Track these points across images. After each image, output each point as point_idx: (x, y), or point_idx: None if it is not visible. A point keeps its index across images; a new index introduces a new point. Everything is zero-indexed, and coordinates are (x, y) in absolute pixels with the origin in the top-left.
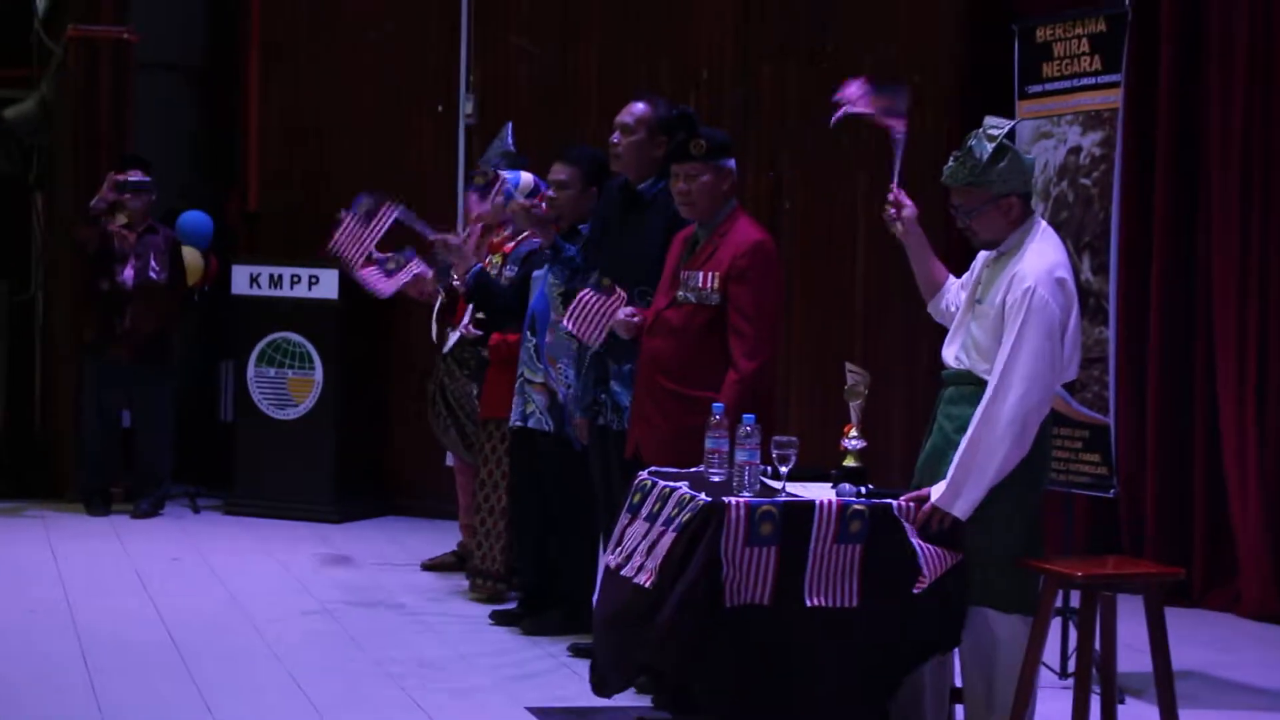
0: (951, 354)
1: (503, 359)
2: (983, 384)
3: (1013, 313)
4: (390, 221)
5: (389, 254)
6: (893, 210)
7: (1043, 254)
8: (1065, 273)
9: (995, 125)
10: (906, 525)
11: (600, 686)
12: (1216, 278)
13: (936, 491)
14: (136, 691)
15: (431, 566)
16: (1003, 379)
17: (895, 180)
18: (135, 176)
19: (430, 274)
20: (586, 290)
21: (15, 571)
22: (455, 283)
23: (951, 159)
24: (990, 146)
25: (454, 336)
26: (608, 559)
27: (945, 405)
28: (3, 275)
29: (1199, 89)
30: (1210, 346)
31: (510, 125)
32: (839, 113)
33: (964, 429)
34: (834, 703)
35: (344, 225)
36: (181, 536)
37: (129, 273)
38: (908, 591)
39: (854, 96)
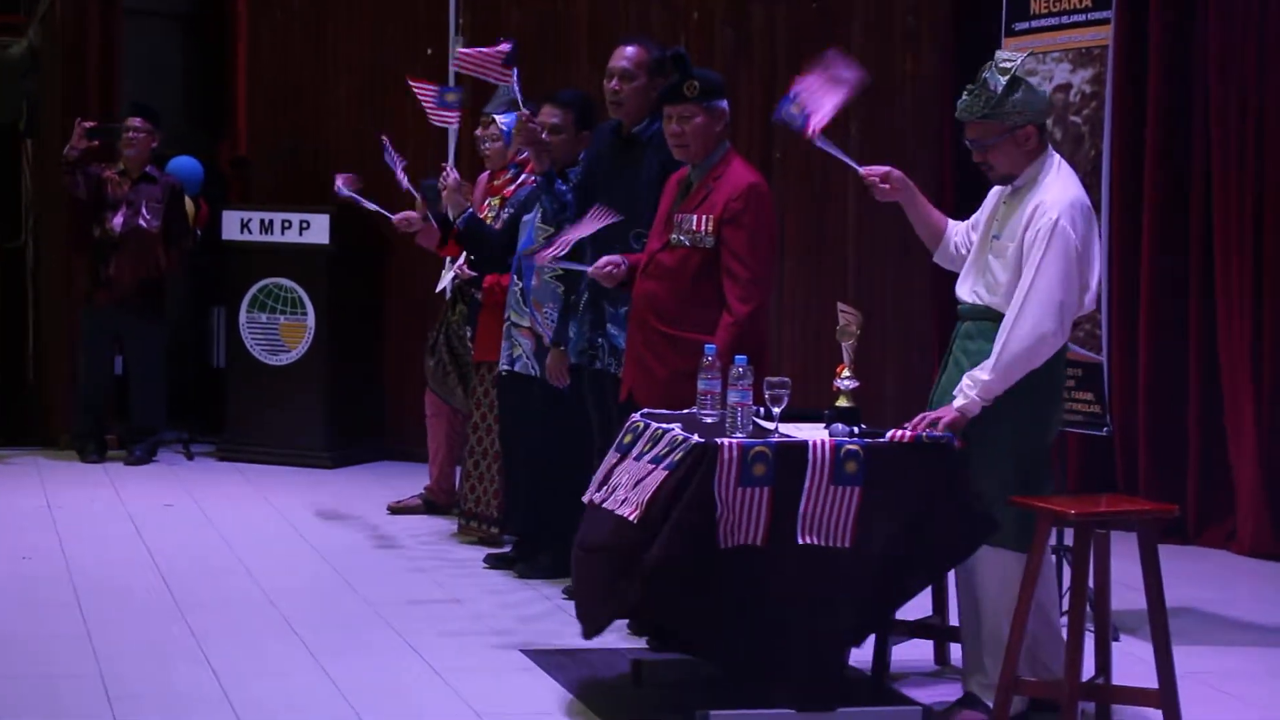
0: (967, 289)
1: (496, 301)
2: (1000, 319)
3: (1036, 243)
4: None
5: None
6: (882, 186)
7: (1063, 186)
8: (1086, 204)
9: (1008, 58)
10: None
11: (586, 625)
12: (1211, 213)
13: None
14: (132, 637)
15: (398, 510)
16: (1025, 305)
17: (856, 166)
18: (137, 123)
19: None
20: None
21: (9, 519)
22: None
23: (965, 93)
24: (1004, 79)
25: (447, 276)
26: (591, 495)
27: (962, 340)
28: None
29: (1191, 25)
30: (1204, 283)
31: (516, 72)
32: (818, 125)
33: (980, 364)
34: (826, 642)
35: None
36: (175, 483)
37: (118, 220)
38: (904, 531)
39: (815, 97)
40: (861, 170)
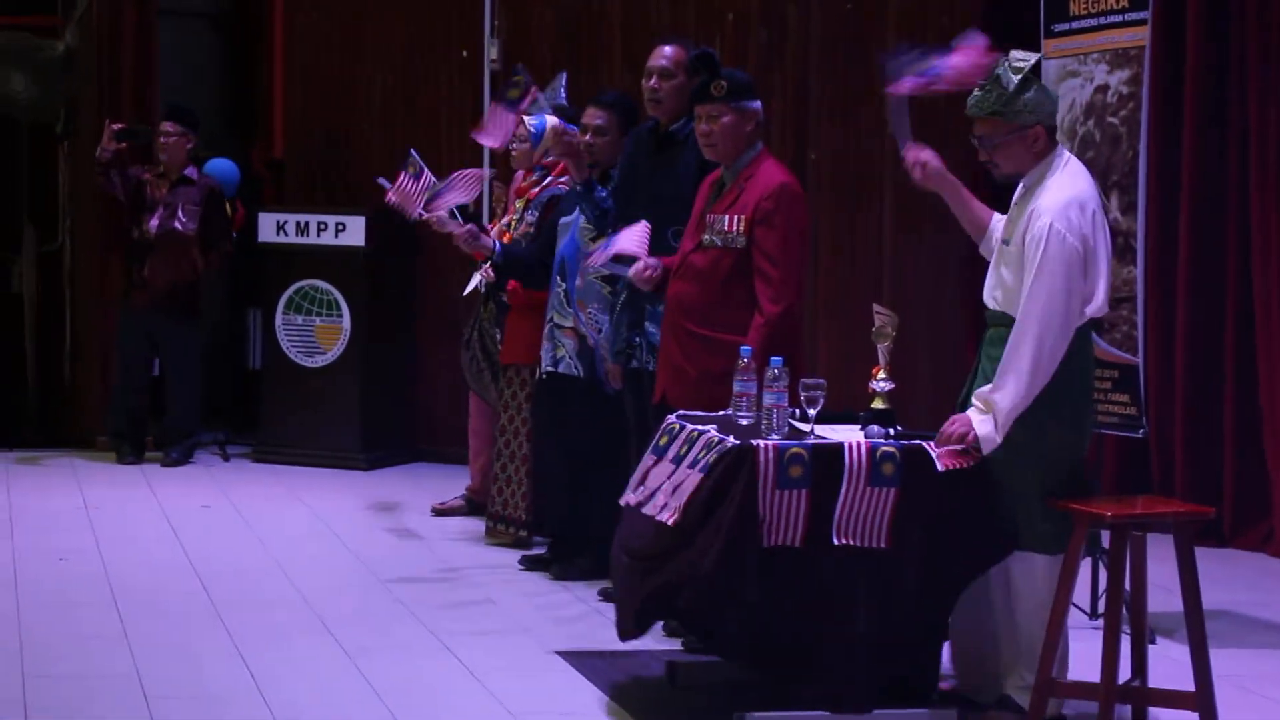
0: (988, 294)
1: (522, 305)
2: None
3: (1032, 248)
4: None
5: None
6: (918, 170)
7: (1062, 187)
8: (1088, 204)
9: (1021, 58)
10: (935, 457)
11: (624, 628)
12: (1248, 214)
13: (974, 418)
14: (168, 638)
15: (442, 512)
16: (1022, 316)
17: (907, 141)
18: (169, 126)
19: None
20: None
21: (47, 520)
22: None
23: (977, 90)
24: (1016, 78)
25: (476, 278)
26: (627, 497)
27: (986, 346)
28: (31, 224)
29: (1228, 26)
30: (1241, 284)
31: (564, 76)
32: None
33: None
34: (866, 644)
35: (399, 183)
36: (211, 484)
37: (154, 222)
38: (941, 531)
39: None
40: (905, 147)
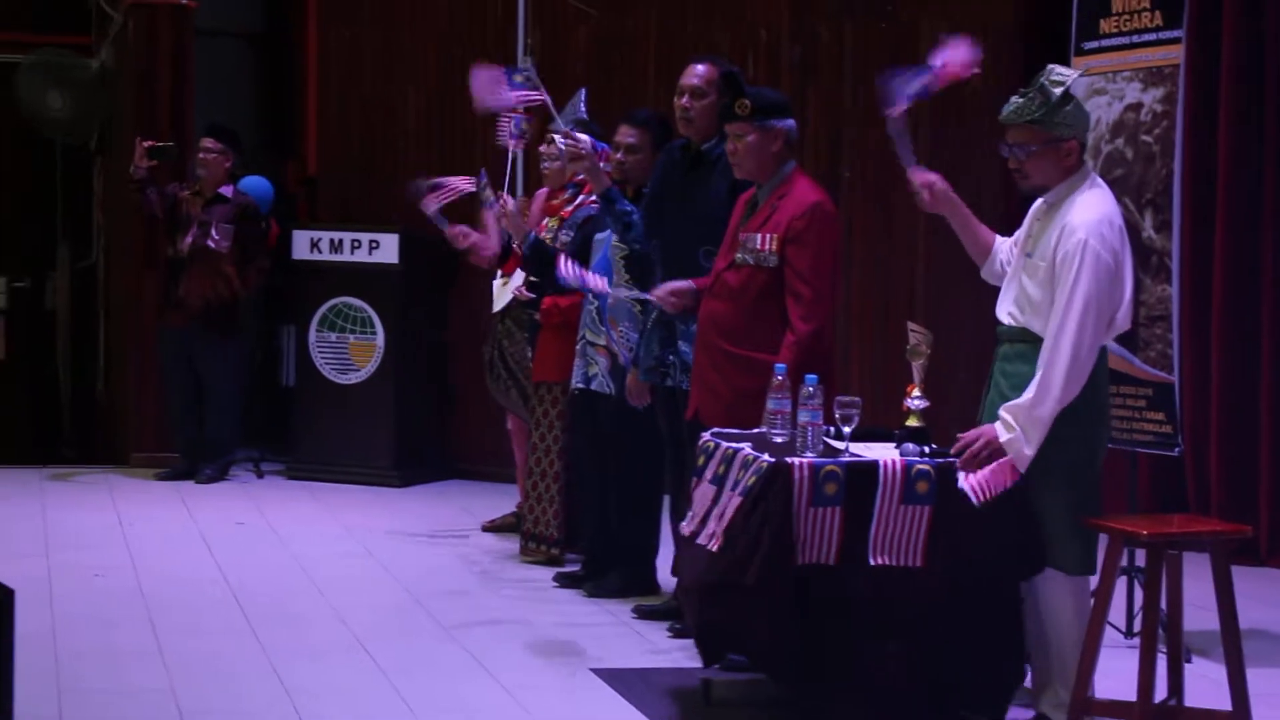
0: (1005, 310)
1: (554, 322)
2: (1037, 341)
3: (1065, 263)
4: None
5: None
6: (925, 194)
7: (1092, 204)
8: (1116, 221)
9: (1063, 73)
10: (969, 489)
11: (707, 657)
12: None
13: (1001, 434)
14: (203, 654)
15: (492, 528)
16: (1058, 329)
17: (911, 164)
18: (209, 144)
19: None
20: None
21: (82, 536)
22: (515, 245)
23: (1017, 96)
24: (1058, 90)
25: (506, 296)
26: (682, 527)
27: (1000, 363)
28: (65, 242)
29: (1262, 45)
30: (1276, 302)
31: (583, 92)
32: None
33: (1019, 387)
34: (902, 663)
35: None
36: (245, 501)
37: (187, 240)
38: (976, 551)
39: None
40: (910, 171)
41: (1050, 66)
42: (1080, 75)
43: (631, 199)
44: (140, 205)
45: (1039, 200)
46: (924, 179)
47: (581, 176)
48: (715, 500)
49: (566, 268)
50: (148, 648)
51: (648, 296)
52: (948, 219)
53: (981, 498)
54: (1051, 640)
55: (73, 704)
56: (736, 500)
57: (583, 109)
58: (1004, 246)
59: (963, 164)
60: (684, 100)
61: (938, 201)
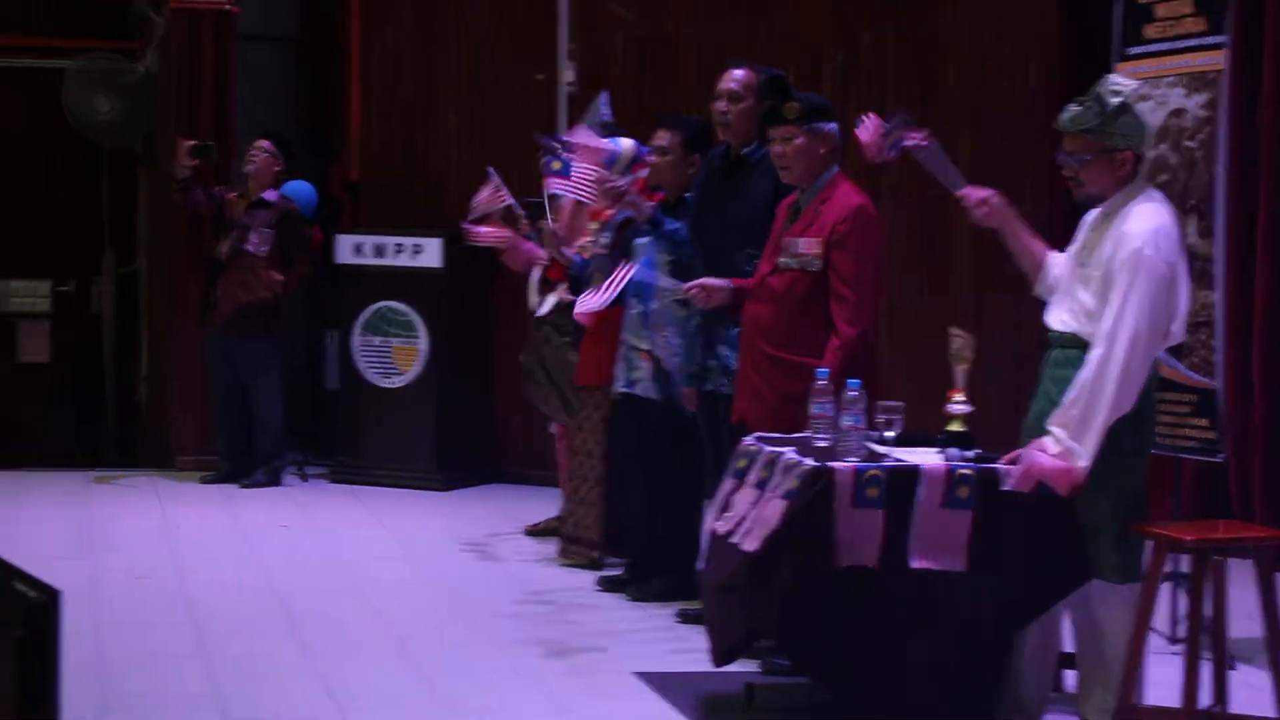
0: (1057, 317)
1: (599, 327)
2: (1086, 347)
3: (1120, 272)
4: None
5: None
6: (982, 209)
7: (1148, 215)
8: (1173, 232)
9: (1121, 83)
10: (1010, 485)
11: (720, 657)
12: None
13: (1050, 447)
14: (247, 657)
15: (535, 531)
16: (1110, 338)
17: (957, 187)
18: (264, 144)
19: (536, 250)
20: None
21: (127, 539)
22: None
23: (1074, 104)
24: (1116, 100)
25: (551, 300)
26: (714, 525)
27: (1051, 368)
28: (110, 246)
29: None
30: None
31: (605, 96)
32: (894, 151)
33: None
34: (945, 666)
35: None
36: (289, 504)
37: (226, 243)
38: (1018, 555)
39: (877, 139)
40: (961, 192)
41: (1108, 76)
42: (1139, 85)
43: (672, 205)
44: (184, 206)
45: (1094, 210)
46: (978, 196)
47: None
48: (755, 503)
49: (607, 291)
50: (192, 651)
51: (679, 285)
52: (1003, 233)
53: (1025, 490)
54: (1098, 647)
55: (117, 707)
56: (779, 503)
57: (605, 112)
58: (1057, 261)
59: (1001, 175)
60: (721, 105)
61: (994, 214)
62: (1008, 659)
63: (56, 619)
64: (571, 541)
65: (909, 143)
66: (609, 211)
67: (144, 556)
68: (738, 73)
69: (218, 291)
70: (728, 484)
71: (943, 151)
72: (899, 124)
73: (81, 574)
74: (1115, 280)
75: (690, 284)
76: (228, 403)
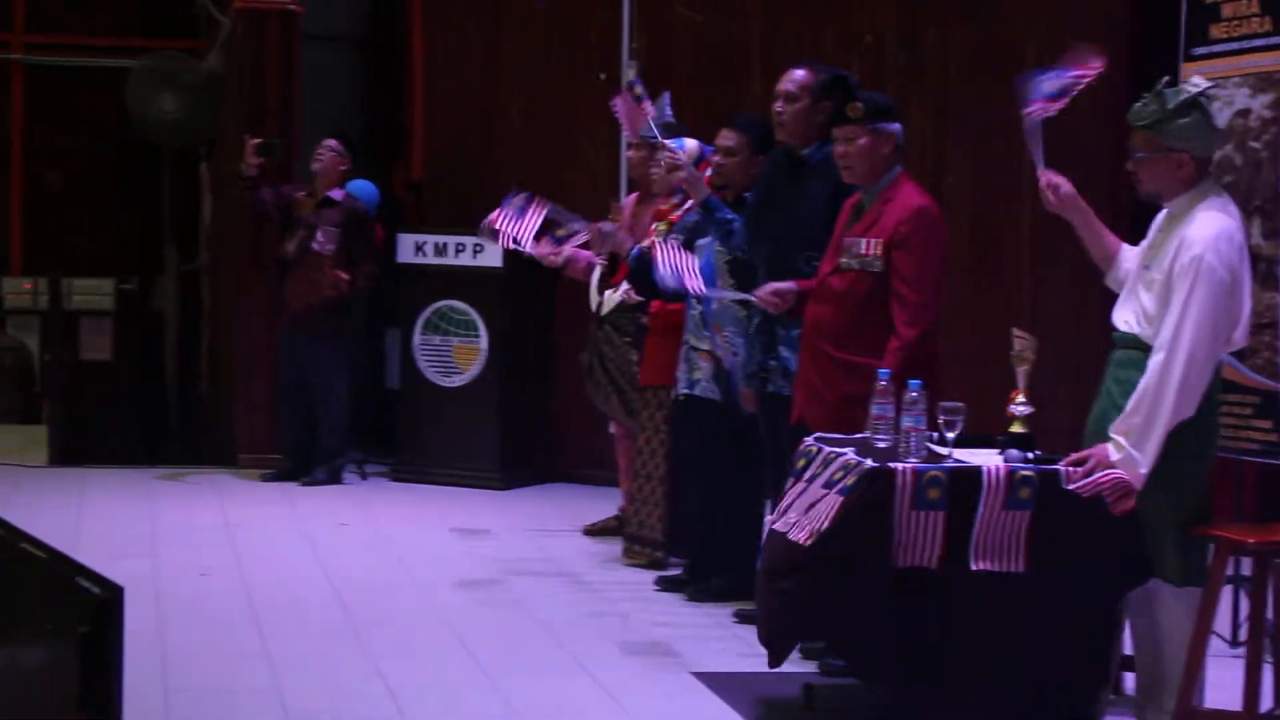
0: (1121, 318)
1: (662, 326)
2: (1149, 350)
3: (1181, 278)
4: (541, 218)
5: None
6: (1050, 195)
7: (1212, 220)
8: (1235, 237)
9: (1194, 83)
10: (1072, 488)
11: (770, 652)
12: None
13: (1112, 454)
14: (308, 654)
15: (593, 531)
16: (1170, 345)
17: (1041, 165)
18: (331, 143)
19: (594, 257)
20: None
21: (188, 536)
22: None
23: (1142, 98)
24: (1180, 99)
25: (613, 298)
26: (773, 523)
27: (1114, 369)
28: (173, 244)
29: None
30: None
31: (668, 95)
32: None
33: (1129, 394)
34: (1000, 667)
35: (500, 215)
36: (350, 502)
37: (293, 242)
38: (1078, 557)
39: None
40: (1040, 171)
41: (1190, 76)
42: (1210, 88)
43: (731, 204)
44: (251, 205)
45: (1162, 211)
46: (1051, 180)
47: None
48: (808, 497)
49: (665, 266)
50: (254, 647)
51: (749, 297)
52: (1073, 223)
53: (1087, 494)
54: (1159, 650)
55: (179, 703)
56: (834, 498)
57: (669, 113)
58: (1129, 255)
59: (1068, 172)
60: (778, 105)
61: (1063, 203)
62: (1064, 659)
63: (119, 615)
64: (635, 541)
65: (1038, 110)
66: (677, 214)
67: (206, 553)
68: (796, 73)
69: (285, 291)
70: (789, 485)
71: (1040, 128)
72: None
73: (144, 570)
74: (1176, 286)
75: (761, 292)
76: (293, 401)
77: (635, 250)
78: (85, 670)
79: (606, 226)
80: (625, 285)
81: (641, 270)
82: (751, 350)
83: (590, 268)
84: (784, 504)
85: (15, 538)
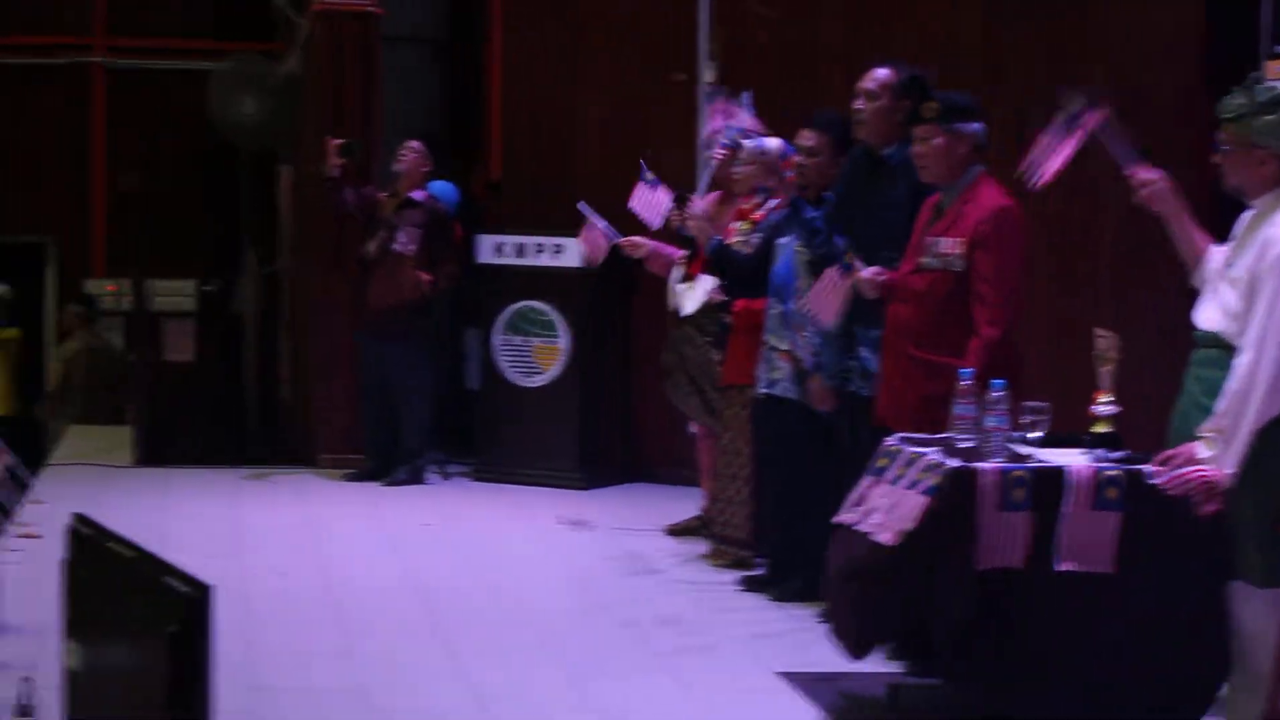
0: (1204, 316)
1: (746, 325)
2: (1231, 349)
3: (1266, 278)
4: (669, 195)
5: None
6: (1145, 190)
7: None
8: None
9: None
10: (1159, 482)
11: (849, 649)
12: None
13: (1200, 452)
14: (390, 652)
15: (676, 531)
16: (1257, 345)
17: (1126, 165)
18: (414, 144)
19: (675, 252)
20: (833, 269)
21: (270, 535)
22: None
23: (1231, 91)
24: (1268, 95)
25: (691, 301)
26: (843, 517)
27: (1195, 367)
28: (252, 246)
29: None
30: None
31: (747, 96)
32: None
33: (1211, 392)
34: (1095, 671)
35: (636, 195)
36: (431, 503)
37: (374, 243)
38: (1169, 558)
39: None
40: (1130, 170)
41: None
42: None
43: (812, 203)
44: (334, 206)
45: (1247, 211)
46: (1144, 176)
47: (773, 181)
48: (890, 497)
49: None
50: (336, 647)
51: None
52: (1166, 219)
53: (1175, 492)
54: (1241, 650)
55: (263, 701)
56: (919, 498)
57: (747, 117)
58: (1214, 255)
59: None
60: (858, 103)
61: (1156, 198)
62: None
63: (208, 614)
64: (721, 541)
65: (1089, 125)
66: (760, 213)
67: (290, 553)
68: (879, 72)
69: (368, 292)
70: (864, 481)
71: (1116, 126)
72: (1080, 107)
73: (229, 569)
74: (1261, 286)
75: (865, 273)
76: (375, 402)
77: (715, 241)
78: (174, 670)
79: (699, 206)
80: (708, 281)
81: (718, 262)
82: (833, 350)
83: (671, 264)
84: (857, 500)
85: (103, 537)
